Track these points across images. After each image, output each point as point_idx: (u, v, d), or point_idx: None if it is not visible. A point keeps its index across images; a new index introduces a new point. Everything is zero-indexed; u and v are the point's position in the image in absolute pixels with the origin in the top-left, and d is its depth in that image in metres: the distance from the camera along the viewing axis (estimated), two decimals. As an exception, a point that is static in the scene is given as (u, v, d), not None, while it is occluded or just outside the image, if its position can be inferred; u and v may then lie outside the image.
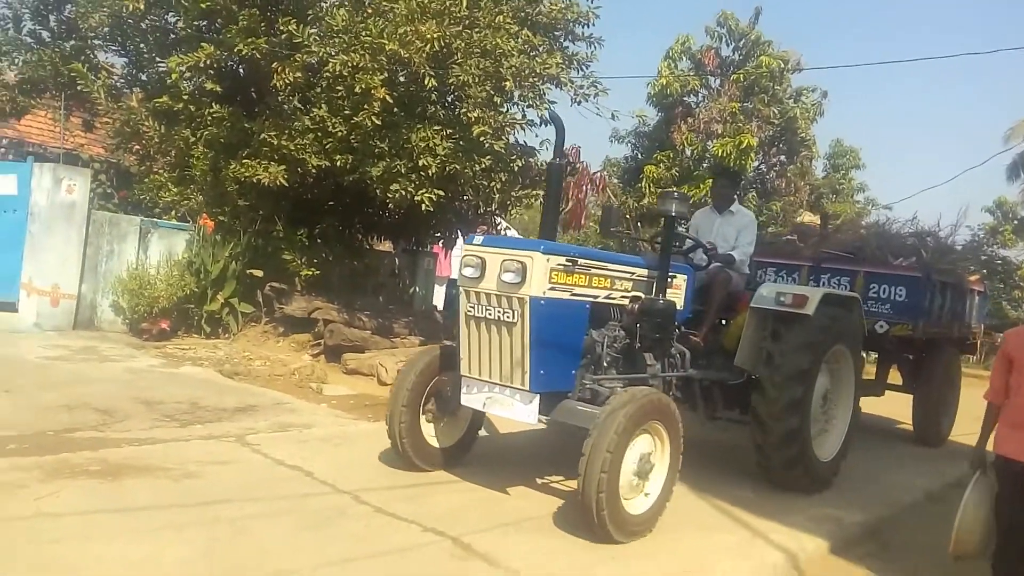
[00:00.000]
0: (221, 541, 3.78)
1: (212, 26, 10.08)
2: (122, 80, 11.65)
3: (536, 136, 10.61)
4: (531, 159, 10.69)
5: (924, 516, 5.91)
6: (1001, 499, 3.92)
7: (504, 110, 10.07)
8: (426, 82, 8.84)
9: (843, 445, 6.32)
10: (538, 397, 4.63)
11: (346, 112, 9.10)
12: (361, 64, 8.57)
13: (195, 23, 10.01)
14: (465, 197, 10.93)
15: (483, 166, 9.60)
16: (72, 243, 9.58)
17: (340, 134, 9.14)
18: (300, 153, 9.09)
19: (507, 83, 9.27)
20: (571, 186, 15.84)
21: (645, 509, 4.54)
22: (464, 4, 9.10)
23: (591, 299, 4.99)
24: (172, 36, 10.84)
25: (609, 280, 5.12)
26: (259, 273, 10.06)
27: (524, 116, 10.34)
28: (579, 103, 10.18)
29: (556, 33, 10.53)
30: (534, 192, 10.95)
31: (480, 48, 9.12)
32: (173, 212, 10.71)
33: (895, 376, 9.02)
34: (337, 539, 3.99)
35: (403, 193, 9.10)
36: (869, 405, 8.90)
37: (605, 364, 5.12)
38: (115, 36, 11.06)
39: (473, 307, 4.83)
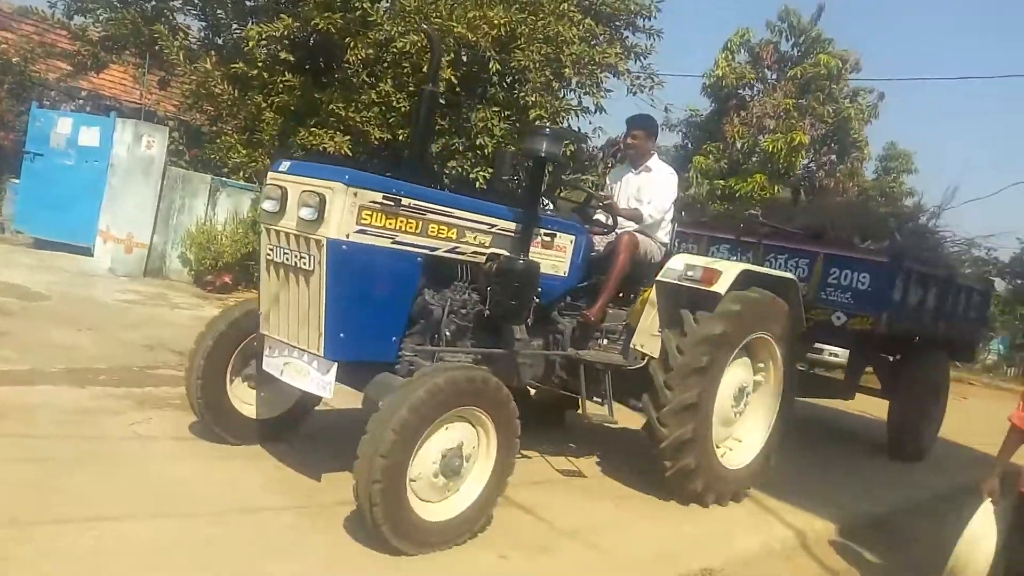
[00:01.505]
0: (293, 467, 4.31)
1: (289, -3, 10.56)
2: (198, 43, 12.23)
3: (590, 124, 10.93)
4: (583, 144, 11.05)
5: (931, 513, 6.23)
6: (1019, 541, 3.51)
7: (561, 95, 10.45)
8: (490, 65, 9.24)
9: (764, 450, 5.50)
10: (335, 366, 3.81)
11: (411, 88, 9.55)
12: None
13: (274, -6, 10.51)
14: (516, 178, 11.34)
15: (537, 148, 9.98)
16: (148, 196, 10.20)
17: (403, 109, 9.60)
18: (365, 125, 9.57)
19: (566, 70, 9.65)
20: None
21: (450, 516, 3.71)
22: (531, -10, 9.47)
23: (426, 251, 4.10)
24: (249, 3, 11.39)
25: (456, 231, 4.23)
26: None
27: (580, 103, 10.72)
28: (635, 93, 10.53)
29: (617, 24, 10.84)
30: (583, 177, 11.33)
31: (543, 35, 9.50)
32: (241, 173, 11.28)
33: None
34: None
35: (459, 170, 9.55)
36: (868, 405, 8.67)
37: (448, 334, 4.27)
38: (194, 0, 11.65)
39: (273, 249, 4.03)
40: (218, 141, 11.70)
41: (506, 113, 9.73)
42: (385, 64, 9.86)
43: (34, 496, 3.41)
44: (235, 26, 11.46)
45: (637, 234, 5.36)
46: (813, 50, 19.48)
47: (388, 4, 9.90)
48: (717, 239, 7.83)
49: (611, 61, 9.82)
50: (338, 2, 9.59)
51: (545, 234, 4.73)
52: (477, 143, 9.48)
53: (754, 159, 19.00)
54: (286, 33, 9.74)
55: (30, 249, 10.65)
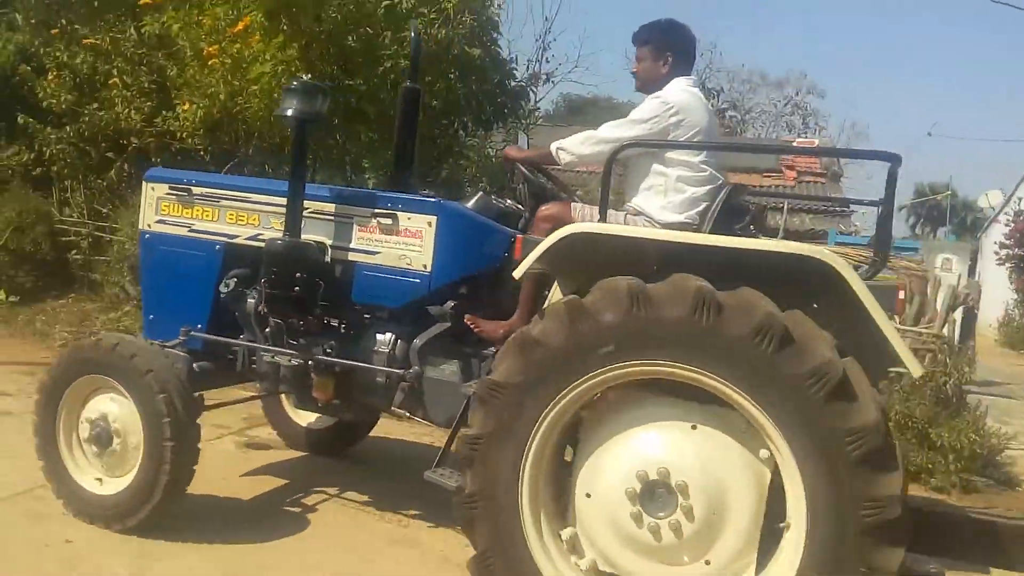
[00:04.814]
0: (306, 476, 4.77)
1: None
2: None
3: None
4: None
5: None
6: None
7: None
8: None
9: None
10: None
11: None
12: None
13: None
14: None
15: None
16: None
17: None
18: None
19: None
20: None
21: (111, 493, 3.78)
22: None
23: (224, 239, 4.05)
24: None
25: (257, 216, 3.99)
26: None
27: None
28: None
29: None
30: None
31: None
32: None
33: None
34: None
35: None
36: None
37: (268, 331, 3.91)
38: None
39: None
40: None
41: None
42: None
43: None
44: None
45: (582, 205, 3.64)
46: None
47: None
48: None
49: None
50: None
51: (379, 215, 3.80)
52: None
53: None
54: None
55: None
